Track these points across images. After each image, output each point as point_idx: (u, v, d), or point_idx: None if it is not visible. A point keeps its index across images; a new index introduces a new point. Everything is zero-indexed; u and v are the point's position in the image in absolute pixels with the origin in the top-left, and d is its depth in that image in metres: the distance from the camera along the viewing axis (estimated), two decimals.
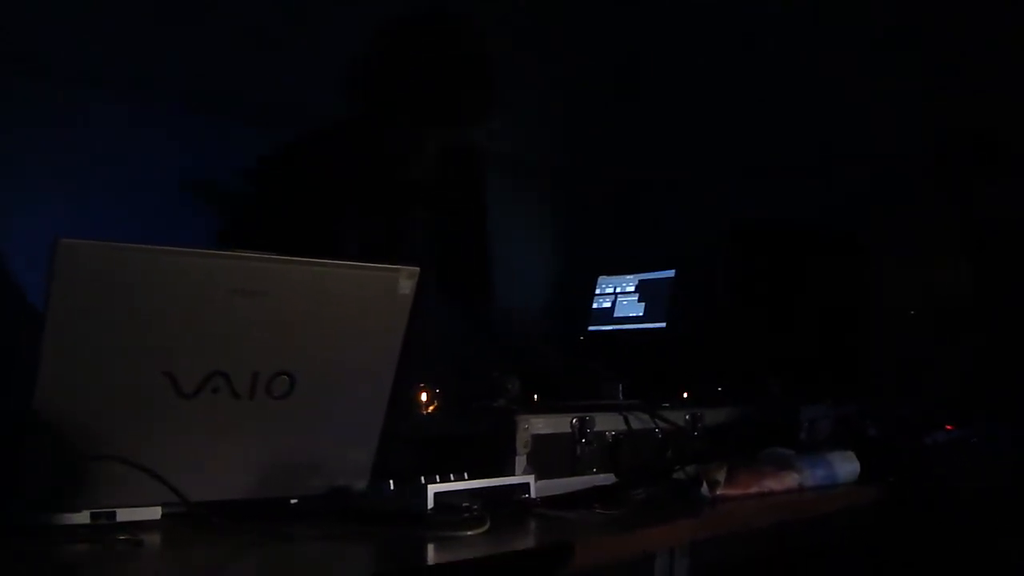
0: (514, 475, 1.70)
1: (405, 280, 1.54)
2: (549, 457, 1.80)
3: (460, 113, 2.33)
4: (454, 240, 2.59)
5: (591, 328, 4.55)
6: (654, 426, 2.00)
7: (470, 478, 1.56)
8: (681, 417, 2.10)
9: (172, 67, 3.27)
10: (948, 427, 2.65)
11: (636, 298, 4.48)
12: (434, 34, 2.32)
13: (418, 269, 1.55)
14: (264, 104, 2.50)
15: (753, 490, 1.90)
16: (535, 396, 2.09)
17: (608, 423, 1.93)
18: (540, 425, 1.79)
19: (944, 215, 3.75)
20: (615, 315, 4.51)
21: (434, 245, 2.55)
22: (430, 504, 1.48)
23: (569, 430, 1.86)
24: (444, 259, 2.55)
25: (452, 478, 1.53)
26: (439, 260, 2.54)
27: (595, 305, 4.59)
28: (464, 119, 2.35)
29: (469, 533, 1.43)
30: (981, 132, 3.71)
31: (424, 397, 1.89)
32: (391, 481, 1.55)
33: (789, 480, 1.98)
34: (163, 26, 3.24)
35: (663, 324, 4.34)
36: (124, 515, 1.42)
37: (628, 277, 4.55)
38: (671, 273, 4.41)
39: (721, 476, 1.82)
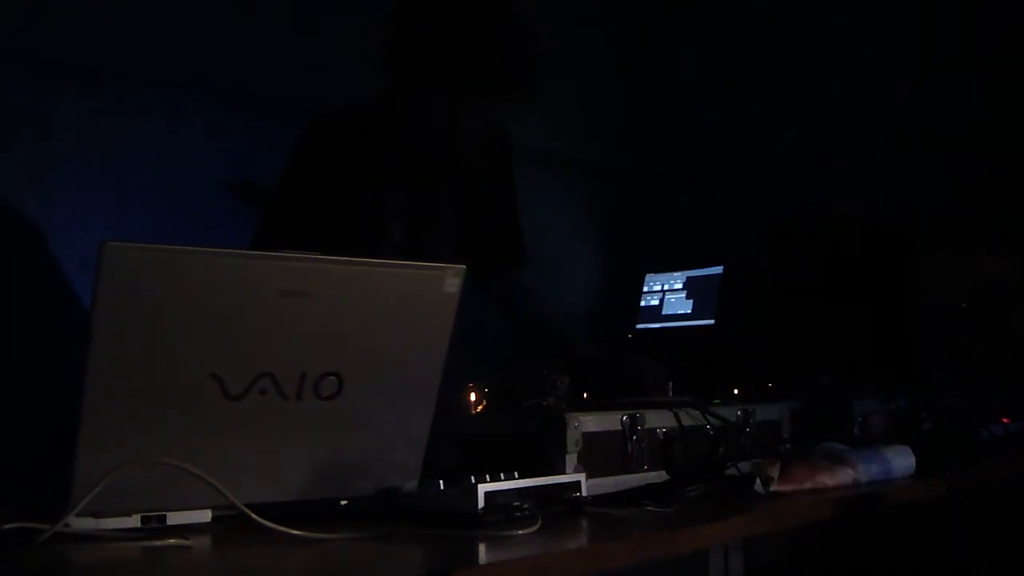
0: (565, 474, 1.69)
1: (451, 279, 1.53)
2: (600, 455, 1.78)
3: (500, 88, 2.29)
4: (484, 215, 2.59)
5: (639, 326, 4.53)
6: (705, 422, 1.98)
7: (520, 477, 1.54)
8: (732, 413, 2.07)
9: (211, 64, 3.28)
10: (1005, 420, 2.62)
11: (684, 295, 4.46)
12: (472, 6, 2.29)
13: (464, 267, 1.54)
14: (308, 103, 2.50)
15: (807, 486, 1.88)
16: (584, 394, 2.07)
17: (659, 420, 1.91)
18: (590, 423, 1.78)
19: (991, 205, 3.70)
20: (663, 313, 4.49)
21: (465, 221, 2.56)
22: (481, 504, 1.46)
23: (619, 428, 1.85)
24: (474, 235, 2.56)
25: (502, 477, 1.52)
26: (470, 236, 2.55)
27: (643, 303, 4.57)
28: (504, 94, 2.31)
29: (520, 532, 1.41)
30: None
31: (473, 396, 1.88)
32: (441, 481, 1.55)
33: (843, 475, 1.95)
34: (202, 22, 3.25)
35: (712, 321, 4.32)
36: (174, 518, 1.43)
37: (676, 274, 4.53)
38: (719, 269, 4.39)
39: (775, 472, 1.80)
